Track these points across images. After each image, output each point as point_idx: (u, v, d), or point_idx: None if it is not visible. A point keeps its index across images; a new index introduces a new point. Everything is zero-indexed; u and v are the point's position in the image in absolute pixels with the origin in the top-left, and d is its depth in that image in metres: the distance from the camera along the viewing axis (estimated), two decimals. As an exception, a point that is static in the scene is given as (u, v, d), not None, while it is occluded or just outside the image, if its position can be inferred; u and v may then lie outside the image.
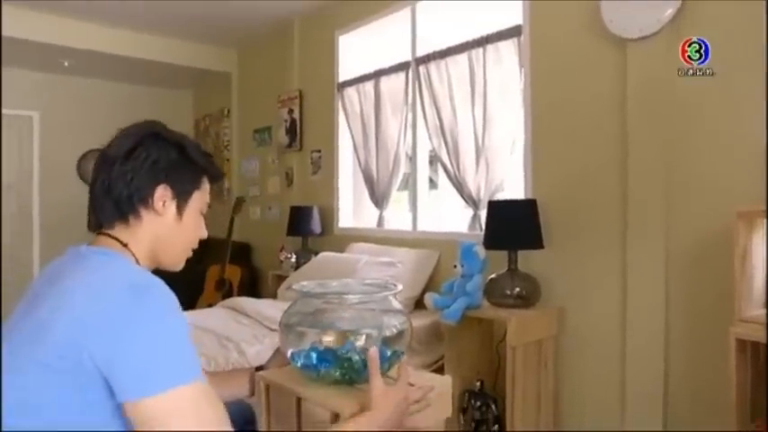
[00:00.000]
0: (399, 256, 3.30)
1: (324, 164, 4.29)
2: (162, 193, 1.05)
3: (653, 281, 2.28)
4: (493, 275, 2.51)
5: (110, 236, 1.04)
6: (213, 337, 2.63)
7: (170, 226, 1.07)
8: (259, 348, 2.56)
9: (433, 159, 3.59)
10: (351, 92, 3.97)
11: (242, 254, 4.99)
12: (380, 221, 3.80)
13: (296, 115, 4.53)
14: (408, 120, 3.56)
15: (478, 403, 2.51)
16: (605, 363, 2.47)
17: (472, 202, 3.09)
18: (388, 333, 1.30)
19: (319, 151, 4.33)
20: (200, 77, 5.69)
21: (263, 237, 5.01)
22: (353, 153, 4.02)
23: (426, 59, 3.33)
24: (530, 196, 2.76)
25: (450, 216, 3.51)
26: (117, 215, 1.03)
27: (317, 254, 3.85)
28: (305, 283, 1.43)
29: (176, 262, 1.12)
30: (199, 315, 3.07)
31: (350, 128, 3.98)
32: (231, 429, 0.90)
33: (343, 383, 1.27)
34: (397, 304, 1.39)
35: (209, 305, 3.87)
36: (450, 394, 1.37)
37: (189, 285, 4.43)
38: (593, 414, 2.52)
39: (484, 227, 2.63)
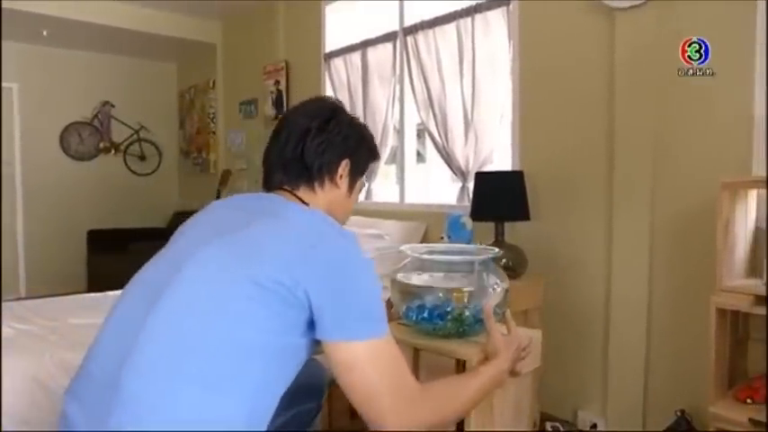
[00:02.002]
0: (387, 228, 3.30)
1: (311, 136, 4.25)
2: (343, 167, 1.15)
3: (638, 252, 2.30)
4: (480, 247, 2.53)
5: (293, 194, 1.13)
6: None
7: (340, 198, 1.17)
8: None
9: (421, 132, 3.57)
10: (338, 63, 3.92)
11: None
12: (368, 194, 3.79)
13: (282, 87, 4.48)
14: (396, 92, 3.53)
15: (465, 373, 2.55)
16: (589, 332, 2.51)
17: (461, 174, 3.09)
18: (491, 291, 1.44)
19: (306, 123, 4.29)
20: (184, 49, 5.58)
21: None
22: (341, 125, 3.98)
23: (414, 29, 3.29)
24: (517, 168, 2.76)
25: (437, 190, 3.51)
26: (304, 179, 1.13)
27: (304, 227, 3.84)
28: (415, 245, 1.61)
29: None
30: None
31: (337, 99, 3.93)
32: (414, 382, 0.97)
33: (454, 336, 1.42)
34: (494, 266, 1.52)
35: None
36: (541, 345, 1.52)
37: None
38: (576, 382, 2.57)
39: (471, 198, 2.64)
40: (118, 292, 3.09)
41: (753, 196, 1.92)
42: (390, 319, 1.45)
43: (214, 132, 5.52)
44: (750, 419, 1.63)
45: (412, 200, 3.52)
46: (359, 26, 3.82)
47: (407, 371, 0.98)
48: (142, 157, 6.02)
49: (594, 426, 2.46)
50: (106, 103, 5.79)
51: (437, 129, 3.17)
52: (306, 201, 1.12)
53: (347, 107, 4.11)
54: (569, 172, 2.59)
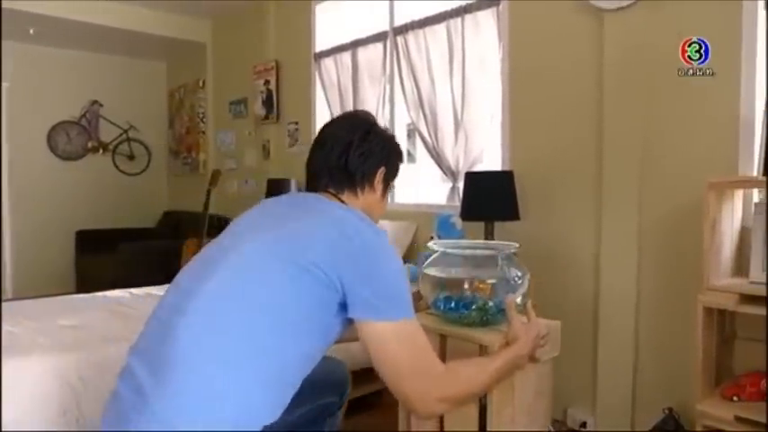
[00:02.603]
0: (377, 228, 3.30)
1: (301, 136, 4.25)
2: (380, 174, 1.31)
3: (626, 251, 2.32)
4: (470, 247, 2.54)
5: (335, 196, 1.28)
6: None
7: (375, 202, 1.32)
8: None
9: (411, 132, 3.58)
10: (328, 62, 3.92)
11: (219, 227, 4.89)
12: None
13: (272, 86, 4.47)
14: (386, 92, 3.53)
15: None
16: (579, 332, 2.51)
17: (451, 174, 3.09)
18: (512, 283, 1.56)
19: (296, 123, 4.29)
20: (174, 48, 5.55)
21: (240, 210, 4.87)
22: (331, 125, 3.98)
23: (404, 29, 3.30)
24: (507, 168, 2.77)
25: (427, 190, 3.51)
26: (348, 185, 1.28)
27: (295, 227, 3.83)
28: (441, 241, 1.78)
29: None
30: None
31: (327, 99, 3.94)
32: (437, 361, 1.10)
33: (478, 325, 1.54)
34: (516, 260, 1.63)
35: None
36: (560, 335, 1.63)
37: (166, 258, 4.40)
38: (566, 381, 2.58)
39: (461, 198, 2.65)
40: (107, 293, 3.08)
41: (739, 196, 1.94)
42: (419, 309, 1.56)
43: (204, 132, 5.49)
44: (736, 417, 1.65)
45: (402, 200, 3.52)
46: (349, 26, 3.82)
47: (431, 351, 1.10)
48: (131, 157, 5.98)
49: (584, 424, 2.48)
50: (95, 102, 5.75)
51: (427, 129, 3.17)
52: (348, 203, 1.26)
53: (337, 107, 4.13)
54: (559, 172, 2.60)
